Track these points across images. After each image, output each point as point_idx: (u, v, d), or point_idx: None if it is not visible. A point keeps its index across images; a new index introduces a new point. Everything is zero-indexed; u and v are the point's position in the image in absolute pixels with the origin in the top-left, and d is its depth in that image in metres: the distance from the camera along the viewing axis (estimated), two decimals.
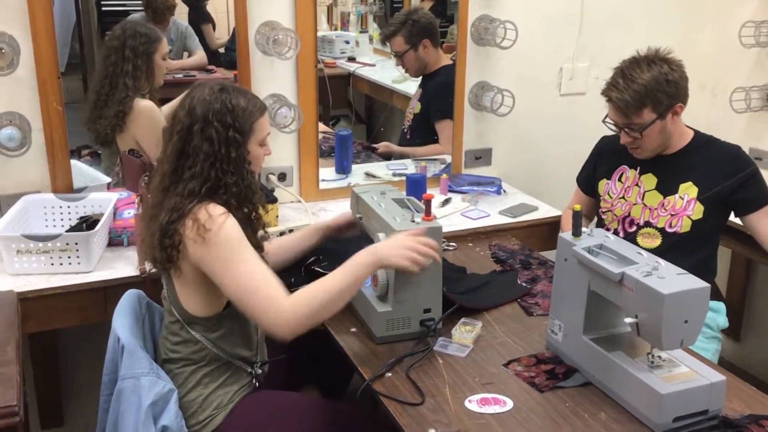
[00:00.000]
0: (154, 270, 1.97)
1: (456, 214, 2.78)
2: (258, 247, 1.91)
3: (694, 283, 1.60)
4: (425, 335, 1.95)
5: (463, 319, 2.04)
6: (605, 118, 2.36)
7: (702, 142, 2.37)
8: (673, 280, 1.61)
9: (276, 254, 2.18)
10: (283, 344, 1.90)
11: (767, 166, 3.06)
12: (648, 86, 2.22)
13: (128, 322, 1.91)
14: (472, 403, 1.69)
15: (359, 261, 1.81)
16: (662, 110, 2.26)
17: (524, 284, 2.27)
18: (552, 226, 2.80)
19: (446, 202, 2.87)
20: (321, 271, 2.12)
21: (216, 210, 1.78)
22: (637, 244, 2.38)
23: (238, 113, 1.82)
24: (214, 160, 1.80)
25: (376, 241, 1.97)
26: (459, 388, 1.76)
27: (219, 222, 1.76)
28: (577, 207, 1.81)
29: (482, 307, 2.12)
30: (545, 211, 2.84)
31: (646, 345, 1.72)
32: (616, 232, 2.45)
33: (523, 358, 1.89)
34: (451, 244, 2.57)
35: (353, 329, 2.04)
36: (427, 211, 1.94)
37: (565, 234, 1.86)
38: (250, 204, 1.90)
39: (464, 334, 1.97)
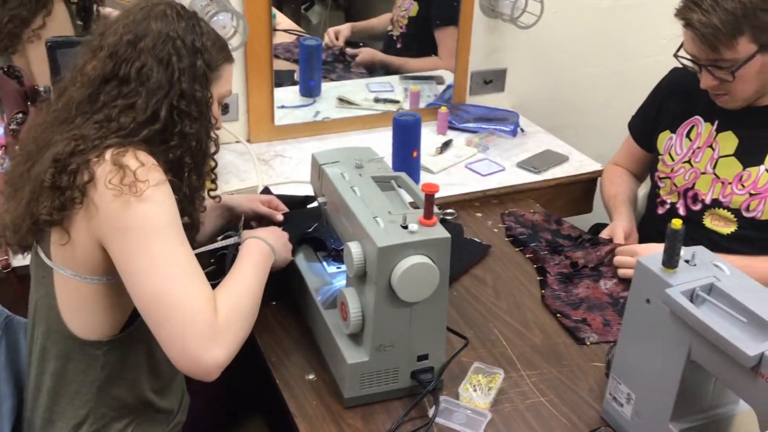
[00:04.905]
0: (17, 248, 1.30)
1: (459, 165, 2.05)
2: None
3: None
4: (420, 395, 1.28)
5: (476, 364, 1.37)
6: (678, 50, 1.62)
7: None
8: None
9: None
10: None
11: None
12: (748, 3, 1.50)
13: None
14: None
15: (260, 250, 1.33)
16: (766, 39, 1.53)
17: (477, 239, 1.76)
18: (587, 184, 2.09)
19: (445, 146, 2.13)
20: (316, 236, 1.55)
21: (150, 159, 1.16)
22: (703, 227, 1.71)
23: (208, 42, 1.27)
24: (168, 92, 1.20)
25: (345, 252, 1.26)
26: None
27: (156, 178, 1.14)
28: (677, 223, 1.10)
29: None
30: (579, 162, 2.11)
31: None
32: (674, 209, 1.76)
33: None
34: (450, 210, 1.86)
35: (311, 376, 1.36)
36: (428, 212, 1.22)
37: (649, 259, 1.16)
38: (202, 172, 1.30)
39: (478, 392, 1.31)
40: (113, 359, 1.23)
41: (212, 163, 1.34)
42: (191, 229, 1.28)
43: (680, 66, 1.73)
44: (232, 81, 1.37)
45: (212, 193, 1.42)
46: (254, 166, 1.96)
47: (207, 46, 1.26)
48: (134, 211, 1.11)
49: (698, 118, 1.75)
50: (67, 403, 1.23)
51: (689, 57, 1.62)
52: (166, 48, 1.21)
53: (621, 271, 1.63)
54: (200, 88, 1.24)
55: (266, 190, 1.74)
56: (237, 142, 2.08)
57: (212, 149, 1.30)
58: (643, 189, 1.98)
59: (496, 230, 1.83)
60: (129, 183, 1.11)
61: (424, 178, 1.95)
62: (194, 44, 1.23)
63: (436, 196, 1.21)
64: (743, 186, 1.66)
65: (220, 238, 1.50)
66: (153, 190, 1.12)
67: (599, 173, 2.06)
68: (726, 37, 1.52)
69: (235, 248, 1.43)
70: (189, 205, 1.27)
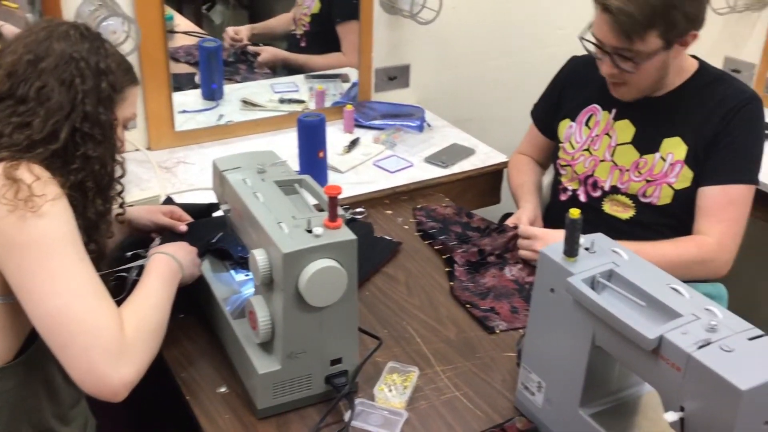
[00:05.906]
0: None
1: (367, 163, 2.04)
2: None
3: None
4: (335, 400, 1.27)
5: (390, 364, 1.36)
6: (586, 32, 1.64)
7: (707, 80, 1.69)
8: (745, 354, 0.97)
9: None
10: None
11: (745, 79, 2.46)
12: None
13: None
14: None
15: (167, 265, 1.29)
16: (672, 37, 1.57)
17: (388, 237, 1.75)
18: (495, 176, 2.12)
19: (353, 144, 2.12)
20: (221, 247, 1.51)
21: (45, 172, 1.12)
22: (602, 212, 1.75)
23: (114, 63, 1.24)
24: (69, 114, 1.16)
25: (251, 260, 1.23)
26: None
27: (54, 192, 1.10)
28: (575, 213, 1.12)
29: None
30: (485, 154, 2.14)
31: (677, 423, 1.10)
32: (575, 196, 1.80)
33: None
34: (359, 210, 1.85)
35: (222, 389, 1.32)
36: (332, 215, 1.21)
37: (551, 249, 1.18)
38: (108, 196, 1.25)
39: (393, 392, 1.30)
40: (8, 388, 1.17)
41: (119, 188, 1.30)
42: (97, 255, 1.22)
43: (579, 55, 1.77)
44: (137, 104, 1.34)
45: (120, 218, 1.39)
46: (155, 175, 1.90)
47: (112, 68, 1.22)
48: (31, 227, 1.05)
49: (596, 107, 1.79)
50: None
51: (595, 41, 1.61)
52: (69, 69, 1.17)
53: (522, 252, 1.67)
54: (104, 110, 1.20)
55: (169, 200, 1.69)
56: (136, 150, 2.01)
57: (118, 173, 1.27)
58: (548, 177, 2.02)
59: (406, 227, 1.83)
60: (24, 197, 1.06)
61: (332, 178, 1.93)
62: (99, 66, 1.20)
63: (345, 195, 1.20)
64: (640, 173, 1.71)
65: (129, 254, 1.45)
66: (51, 204, 1.08)
67: (505, 164, 2.09)
68: (641, 27, 1.53)
69: (139, 268, 1.38)
70: (94, 231, 1.22)
